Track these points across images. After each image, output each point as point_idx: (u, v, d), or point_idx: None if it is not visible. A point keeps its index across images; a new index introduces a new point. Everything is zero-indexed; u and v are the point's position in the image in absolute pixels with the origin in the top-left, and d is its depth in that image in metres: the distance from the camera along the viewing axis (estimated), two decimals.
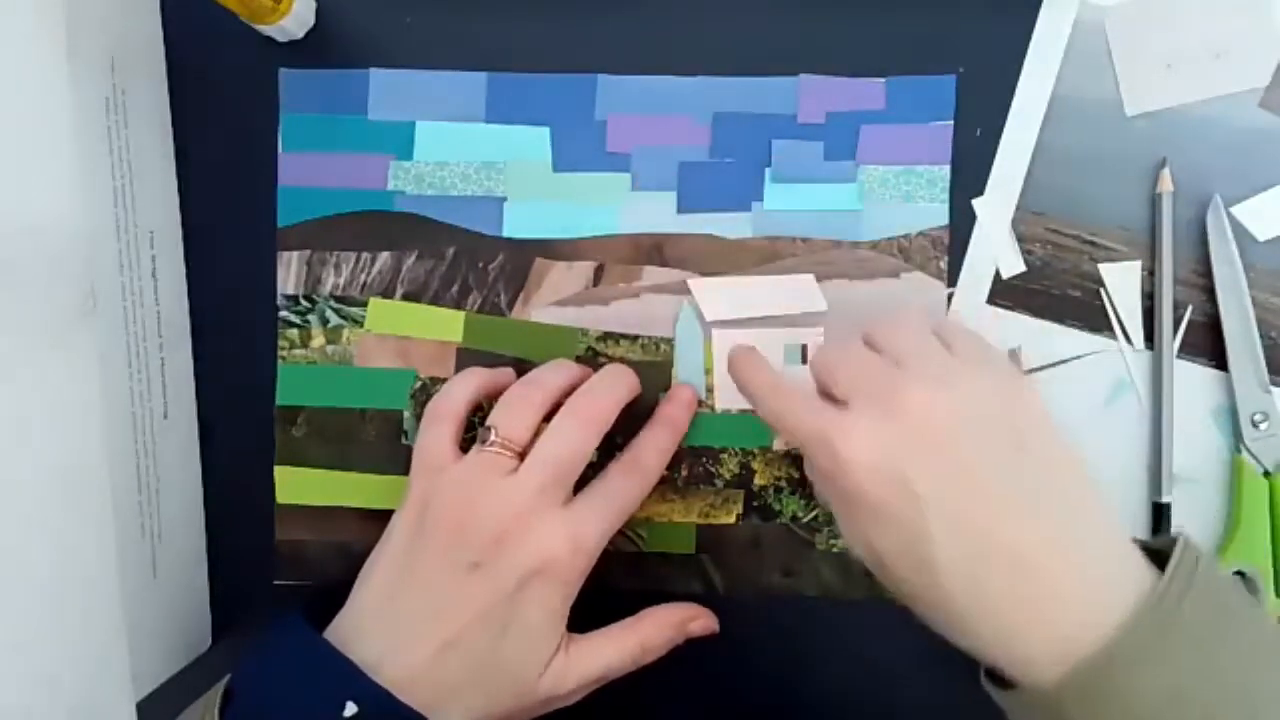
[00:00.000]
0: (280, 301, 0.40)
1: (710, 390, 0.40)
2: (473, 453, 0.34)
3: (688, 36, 0.39)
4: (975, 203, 0.39)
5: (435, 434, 0.35)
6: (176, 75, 0.40)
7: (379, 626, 0.32)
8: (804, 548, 0.40)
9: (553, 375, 0.36)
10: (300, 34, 0.39)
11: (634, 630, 0.35)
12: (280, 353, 0.40)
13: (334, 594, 0.35)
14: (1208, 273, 0.38)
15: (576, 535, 0.33)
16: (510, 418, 0.34)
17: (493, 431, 0.34)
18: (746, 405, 0.40)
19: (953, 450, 0.29)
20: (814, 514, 0.40)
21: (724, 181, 0.40)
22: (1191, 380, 0.39)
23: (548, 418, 0.35)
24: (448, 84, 0.40)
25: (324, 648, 0.31)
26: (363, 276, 0.40)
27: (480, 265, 0.40)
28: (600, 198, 0.40)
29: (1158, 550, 0.28)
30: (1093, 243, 0.39)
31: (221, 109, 0.40)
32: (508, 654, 0.32)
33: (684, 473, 0.40)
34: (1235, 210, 0.38)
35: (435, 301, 0.40)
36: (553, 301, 0.40)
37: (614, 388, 0.36)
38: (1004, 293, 0.39)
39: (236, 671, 0.32)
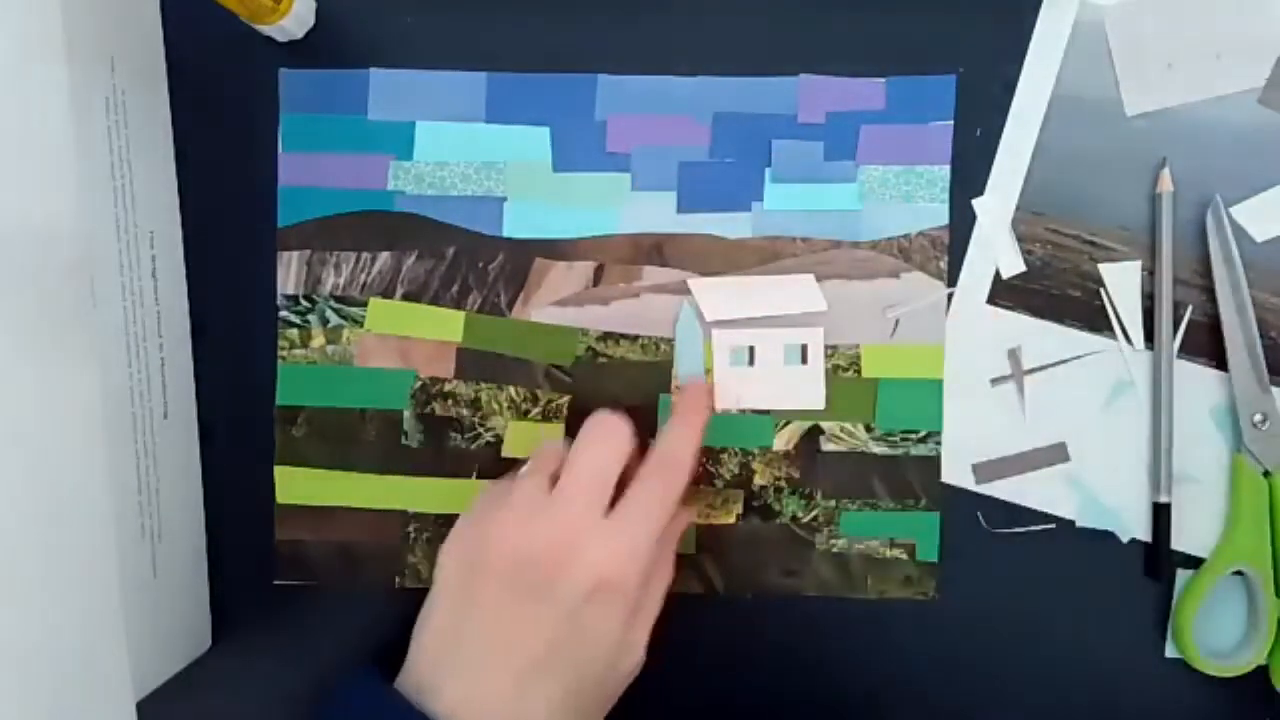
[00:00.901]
0: (280, 301, 0.40)
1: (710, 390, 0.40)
2: (513, 484, 0.34)
3: (688, 36, 0.39)
4: (975, 203, 0.39)
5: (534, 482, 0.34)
6: (176, 75, 0.40)
7: (449, 671, 0.32)
8: (804, 548, 0.40)
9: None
10: (300, 34, 0.39)
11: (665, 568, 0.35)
12: (280, 353, 0.40)
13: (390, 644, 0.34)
14: (1208, 273, 0.38)
15: (623, 546, 0.32)
16: (539, 449, 0.35)
17: (525, 467, 0.35)
18: (746, 405, 0.40)
19: None
20: (814, 514, 0.40)
21: (724, 181, 0.40)
22: (1191, 380, 0.39)
23: None
24: (448, 84, 0.40)
25: (400, 704, 0.31)
26: (363, 276, 0.40)
27: (480, 265, 0.40)
28: (600, 198, 0.40)
29: None
30: (1093, 243, 0.39)
31: (221, 109, 0.40)
32: (586, 669, 0.32)
33: None
34: (1234, 211, 0.38)
35: (435, 301, 0.40)
36: (553, 301, 0.40)
37: (618, 415, 0.35)
38: (1004, 293, 0.39)
39: None
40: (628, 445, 0.34)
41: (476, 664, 0.32)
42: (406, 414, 0.40)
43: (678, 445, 0.35)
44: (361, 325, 0.40)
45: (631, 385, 0.40)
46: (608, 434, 0.34)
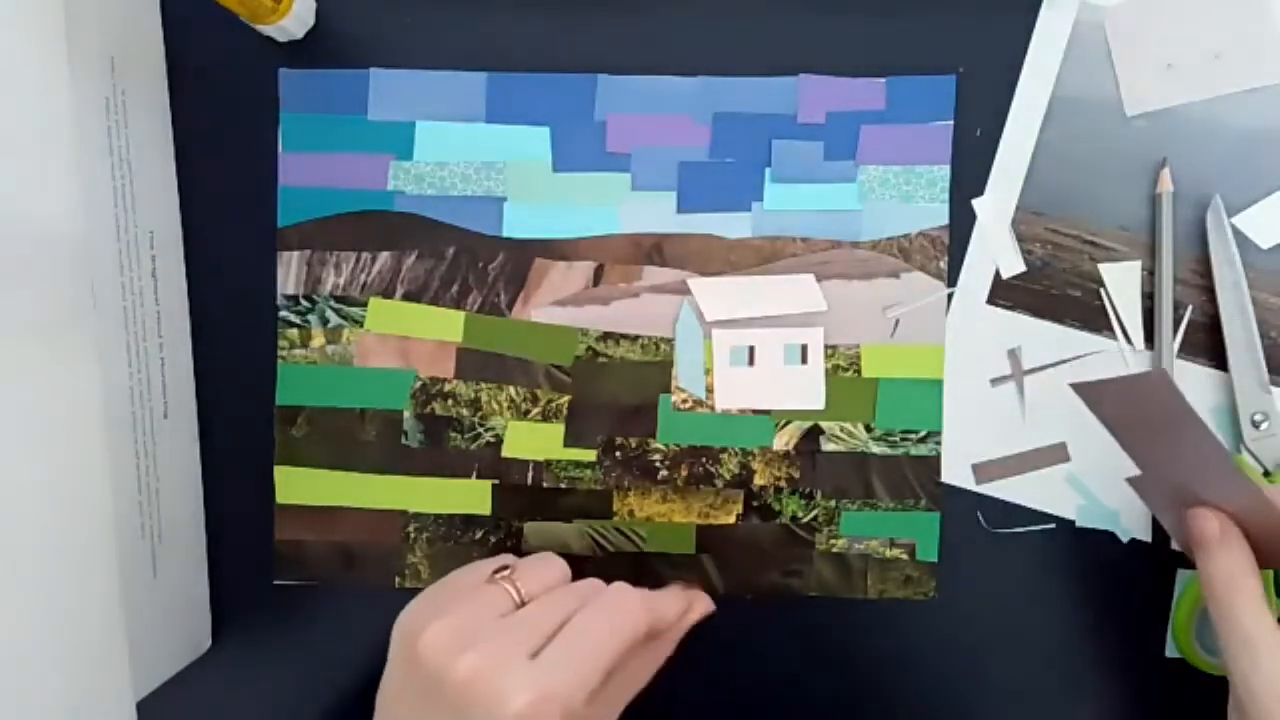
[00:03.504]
0: (280, 301, 0.40)
1: (710, 390, 0.40)
2: (476, 587, 0.32)
3: (688, 36, 0.39)
4: (975, 203, 0.39)
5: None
6: (176, 75, 0.40)
7: None
8: (804, 548, 0.40)
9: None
10: (300, 34, 0.39)
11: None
12: (280, 353, 0.40)
13: None
14: (1208, 273, 0.38)
15: (546, 691, 0.29)
16: (535, 571, 0.33)
17: (511, 570, 0.33)
18: (746, 405, 0.40)
19: None
20: (814, 514, 0.40)
21: (724, 181, 0.40)
22: (1191, 380, 0.39)
23: None
24: (448, 84, 0.40)
25: None
26: (363, 276, 0.40)
27: (480, 265, 0.40)
28: (600, 198, 0.40)
29: None
30: (1093, 243, 0.39)
31: (221, 109, 0.40)
32: None
33: (684, 473, 0.40)
34: (1236, 220, 0.38)
35: (435, 301, 0.40)
36: (553, 301, 0.40)
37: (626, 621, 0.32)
38: (1004, 293, 0.39)
39: None
40: (605, 658, 0.31)
41: None
42: (406, 414, 0.40)
43: (660, 603, 0.33)
44: (361, 325, 0.40)
45: (631, 385, 0.40)
46: (555, 567, 0.33)
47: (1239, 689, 0.31)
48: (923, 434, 0.40)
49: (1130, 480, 0.35)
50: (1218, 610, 0.32)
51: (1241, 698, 0.31)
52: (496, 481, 0.40)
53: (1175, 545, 0.38)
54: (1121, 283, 0.39)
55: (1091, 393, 0.34)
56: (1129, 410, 0.34)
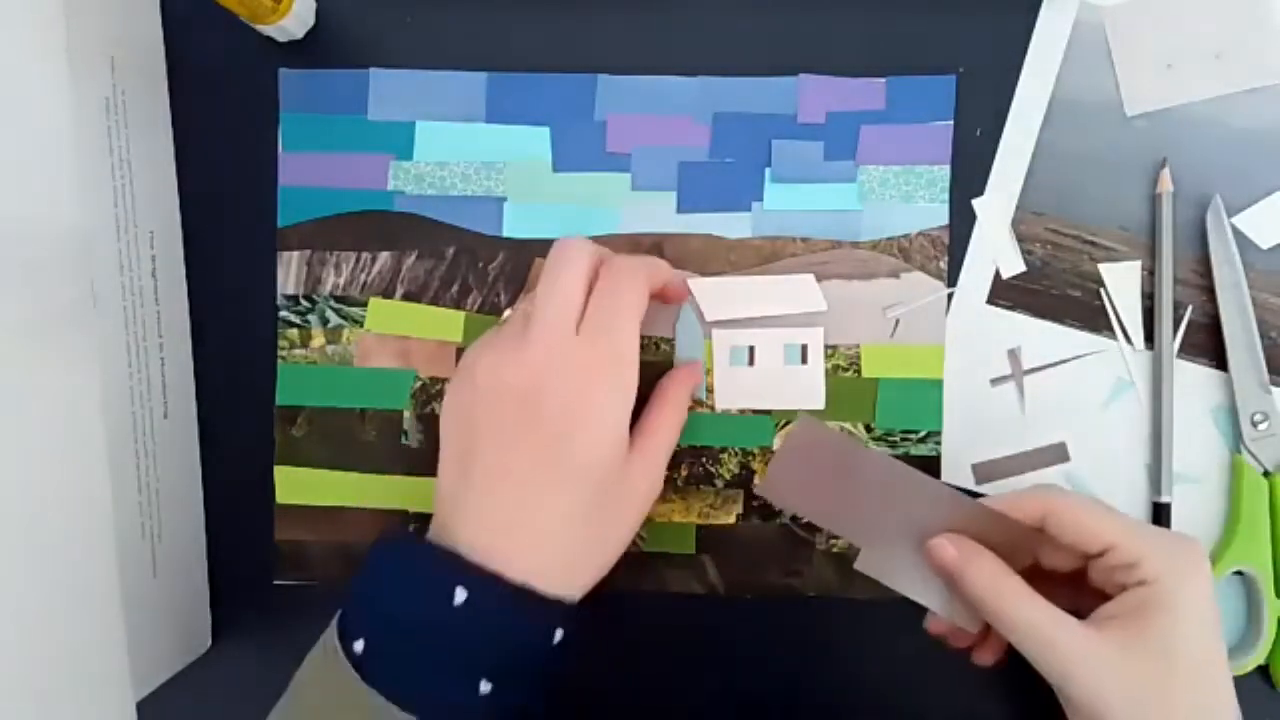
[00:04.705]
0: (280, 301, 0.40)
1: (710, 390, 0.40)
2: (495, 329, 0.35)
3: (688, 36, 0.39)
4: (975, 203, 0.39)
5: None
6: (176, 75, 0.40)
7: (462, 505, 0.32)
8: (804, 548, 0.40)
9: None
10: (300, 34, 0.39)
11: (670, 405, 0.36)
12: (280, 353, 0.40)
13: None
14: (1208, 273, 0.38)
15: (598, 354, 0.32)
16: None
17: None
18: (746, 405, 0.40)
19: None
20: None
21: (724, 181, 0.40)
22: (1191, 380, 0.39)
23: None
24: (448, 84, 0.40)
25: (423, 546, 0.32)
26: (363, 276, 0.40)
27: (480, 265, 0.40)
28: (600, 198, 0.40)
29: None
30: (1093, 243, 0.39)
31: (221, 109, 0.40)
32: (587, 484, 0.32)
33: (684, 473, 0.40)
34: (1236, 220, 0.38)
35: (435, 301, 0.40)
36: None
37: (577, 237, 0.35)
38: (1004, 293, 0.39)
39: (347, 591, 0.32)
40: (587, 256, 0.34)
41: (483, 490, 0.32)
42: (406, 414, 0.40)
43: (626, 260, 0.35)
44: (361, 325, 0.40)
45: None
46: (567, 257, 0.34)
47: (1056, 680, 0.31)
48: (923, 434, 0.40)
49: (859, 565, 0.34)
50: (998, 620, 0.32)
51: (1061, 688, 0.31)
52: None
53: (938, 623, 0.35)
54: (1121, 283, 0.39)
55: (773, 485, 0.34)
56: (810, 480, 0.34)
